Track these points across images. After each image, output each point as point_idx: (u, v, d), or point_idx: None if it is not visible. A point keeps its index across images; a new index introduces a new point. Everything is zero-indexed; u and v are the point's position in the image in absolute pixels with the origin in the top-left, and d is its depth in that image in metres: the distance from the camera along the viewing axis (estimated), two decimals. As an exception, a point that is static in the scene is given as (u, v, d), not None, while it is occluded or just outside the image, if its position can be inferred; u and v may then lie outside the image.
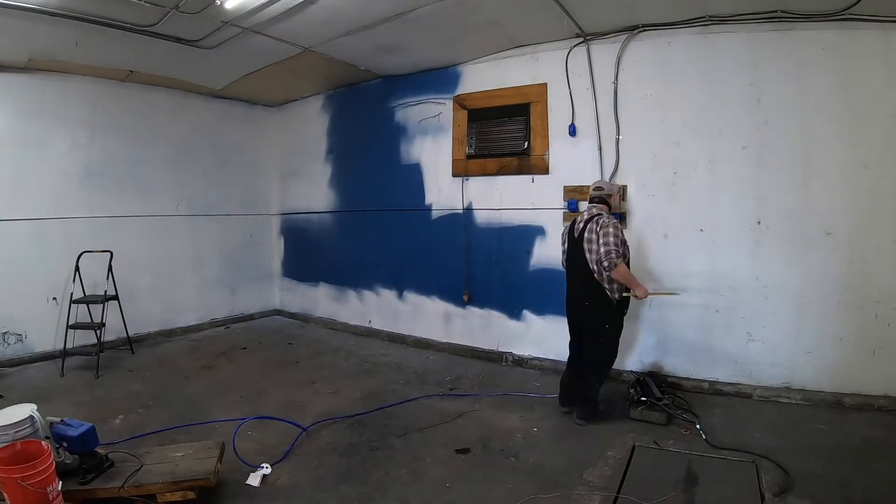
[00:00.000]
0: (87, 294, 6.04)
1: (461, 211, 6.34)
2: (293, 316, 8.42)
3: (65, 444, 2.97)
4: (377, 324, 7.26)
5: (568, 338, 4.67)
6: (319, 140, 7.84)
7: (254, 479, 3.39)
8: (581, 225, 4.24)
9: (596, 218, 4.14)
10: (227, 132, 7.88)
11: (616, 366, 5.19)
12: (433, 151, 6.57)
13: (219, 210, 7.82)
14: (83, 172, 6.33)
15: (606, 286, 4.14)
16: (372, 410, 4.57)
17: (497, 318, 6.12)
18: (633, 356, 5.27)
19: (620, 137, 5.28)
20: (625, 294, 4.19)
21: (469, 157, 6.24)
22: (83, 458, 2.99)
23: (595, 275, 4.12)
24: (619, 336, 4.37)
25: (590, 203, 4.38)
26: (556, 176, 5.67)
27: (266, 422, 4.28)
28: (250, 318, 8.30)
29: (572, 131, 5.53)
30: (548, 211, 5.69)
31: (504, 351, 6.04)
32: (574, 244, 4.29)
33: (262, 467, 3.51)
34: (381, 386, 5.24)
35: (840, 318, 4.51)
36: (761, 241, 4.73)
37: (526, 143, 5.83)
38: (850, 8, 4.22)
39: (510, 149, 5.95)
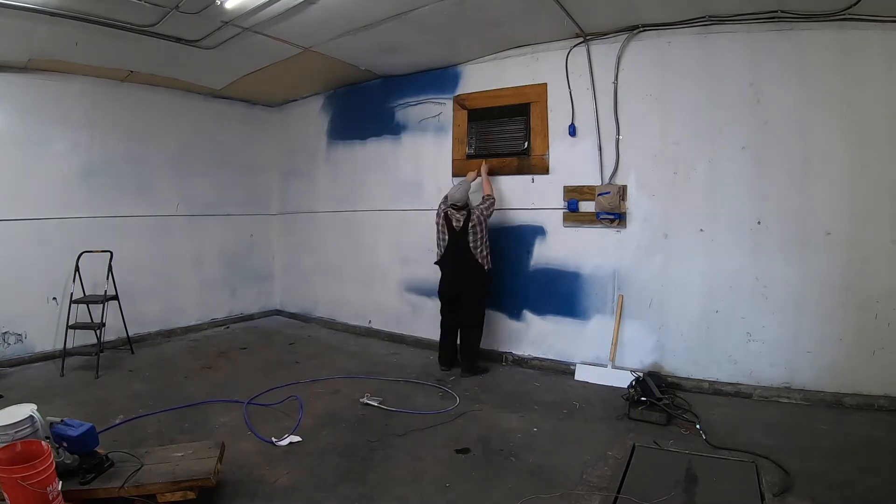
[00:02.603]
0: (87, 294, 6.04)
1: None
2: (293, 316, 8.42)
3: (65, 444, 2.96)
4: (377, 324, 7.26)
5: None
6: (319, 140, 7.84)
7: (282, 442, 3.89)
8: (461, 224, 5.37)
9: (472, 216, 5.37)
10: (227, 132, 7.87)
11: (616, 365, 5.25)
12: (433, 152, 6.57)
13: (219, 210, 7.82)
14: (83, 172, 6.33)
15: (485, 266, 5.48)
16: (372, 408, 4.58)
17: (497, 318, 6.12)
18: (633, 356, 5.26)
19: (620, 137, 5.28)
20: None
21: (469, 157, 6.24)
22: (83, 458, 2.99)
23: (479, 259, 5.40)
24: None
25: (455, 207, 5.41)
26: (555, 176, 5.67)
27: (265, 421, 4.30)
28: (250, 318, 8.30)
29: (572, 131, 5.53)
30: (548, 211, 5.69)
31: (504, 351, 6.04)
32: (458, 237, 5.40)
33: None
34: (381, 385, 5.24)
35: (840, 318, 4.52)
36: (761, 241, 4.74)
37: (526, 144, 5.83)
38: (850, 8, 4.22)
39: (510, 149, 5.95)
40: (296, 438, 3.98)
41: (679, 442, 3.86)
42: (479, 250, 5.39)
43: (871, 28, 4.31)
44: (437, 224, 5.57)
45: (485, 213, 5.45)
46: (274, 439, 3.94)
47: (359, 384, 5.26)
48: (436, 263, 5.67)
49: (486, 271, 5.47)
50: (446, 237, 5.48)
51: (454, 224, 5.40)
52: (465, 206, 5.40)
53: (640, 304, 5.25)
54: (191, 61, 5.90)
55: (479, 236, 5.37)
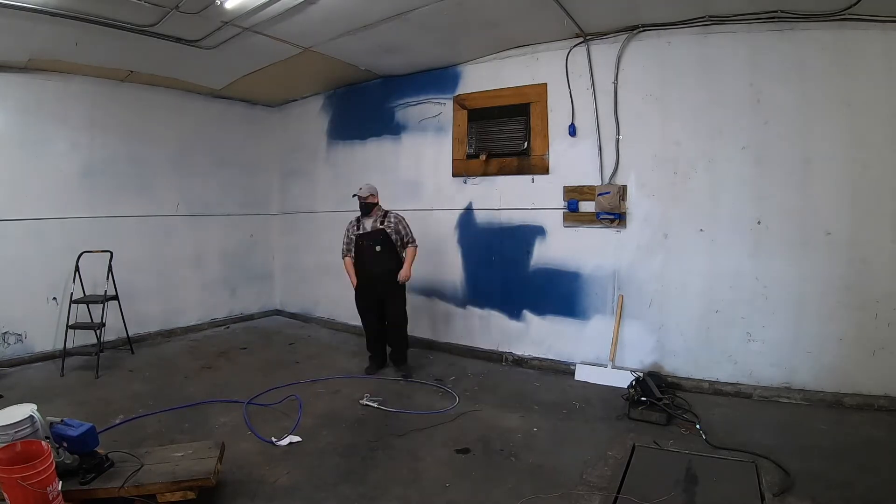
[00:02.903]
0: (87, 294, 6.04)
1: (461, 211, 6.34)
2: (293, 316, 8.42)
3: (65, 444, 2.96)
4: (377, 324, 7.24)
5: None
6: (319, 140, 7.84)
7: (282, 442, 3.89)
8: (378, 222, 5.54)
9: (388, 214, 5.59)
10: (227, 132, 7.87)
11: (615, 365, 5.25)
12: (433, 152, 6.57)
13: (219, 210, 7.83)
14: (83, 172, 6.33)
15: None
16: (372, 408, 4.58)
17: (497, 318, 6.12)
18: (633, 356, 5.26)
19: (620, 137, 5.28)
20: None
21: (469, 156, 6.24)
22: (83, 458, 2.99)
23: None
24: None
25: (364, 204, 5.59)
26: (555, 176, 5.68)
27: (265, 421, 4.30)
28: (250, 318, 8.30)
29: (572, 131, 5.53)
30: (548, 211, 5.70)
31: (504, 351, 6.04)
32: (369, 236, 5.52)
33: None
34: (381, 385, 5.24)
35: (840, 318, 4.52)
36: (761, 240, 4.74)
37: (526, 144, 5.83)
38: (849, 8, 4.23)
39: (510, 149, 5.95)
40: (296, 438, 3.98)
41: (679, 442, 3.85)
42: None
43: (871, 28, 4.31)
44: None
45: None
46: (274, 439, 3.94)
47: (359, 384, 5.26)
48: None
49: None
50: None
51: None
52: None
53: (640, 304, 5.25)
54: (191, 61, 5.90)
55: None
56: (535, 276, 5.84)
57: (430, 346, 6.56)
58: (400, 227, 5.53)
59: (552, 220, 5.67)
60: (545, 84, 5.69)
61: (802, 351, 4.63)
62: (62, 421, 3.09)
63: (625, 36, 5.17)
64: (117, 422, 4.25)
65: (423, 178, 6.69)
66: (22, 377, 5.42)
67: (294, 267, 8.46)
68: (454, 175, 6.38)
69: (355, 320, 7.46)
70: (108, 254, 6.09)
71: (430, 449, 3.86)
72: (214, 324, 7.78)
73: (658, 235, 5.15)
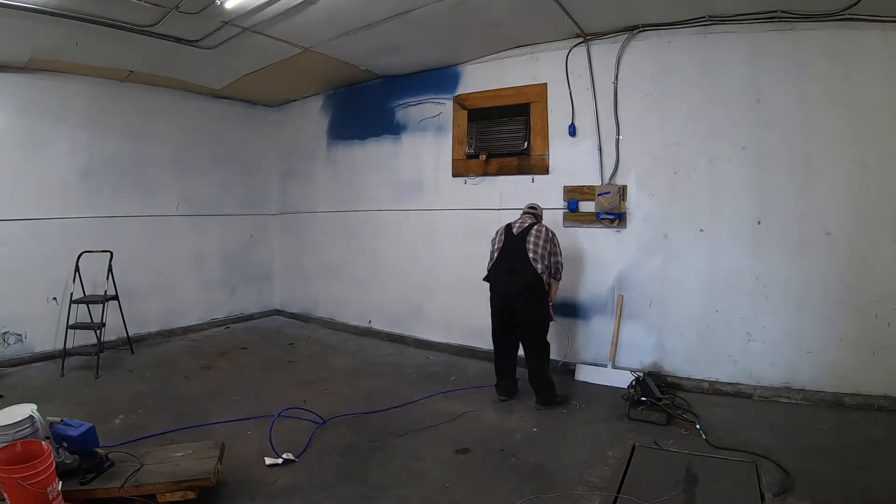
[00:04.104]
0: (87, 294, 6.04)
1: (461, 211, 6.34)
2: (293, 316, 8.41)
3: (65, 444, 2.96)
4: (377, 324, 7.26)
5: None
6: (319, 140, 7.84)
7: (271, 461, 3.60)
8: (522, 228, 4.72)
9: (536, 226, 4.72)
10: (226, 132, 7.88)
11: (616, 365, 5.25)
12: (433, 152, 6.57)
13: (219, 210, 7.83)
14: (83, 172, 6.33)
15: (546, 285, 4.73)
16: (373, 412, 4.57)
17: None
18: (633, 356, 5.26)
19: (620, 137, 5.28)
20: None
21: (469, 156, 6.24)
22: (83, 458, 2.99)
23: (541, 273, 4.57)
24: None
25: (524, 215, 4.93)
26: (555, 176, 5.68)
27: (262, 423, 4.30)
28: (250, 318, 8.30)
29: (572, 131, 5.53)
30: (548, 211, 5.67)
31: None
32: (514, 243, 4.69)
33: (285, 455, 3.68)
34: (382, 385, 5.25)
35: (840, 318, 4.52)
36: (761, 240, 4.74)
37: (526, 144, 5.83)
38: (849, 8, 4.22)
39: (510, 149, 5.95)
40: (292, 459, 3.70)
41: (679, 442, 3.85)
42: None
43: (870, 28, 4.31)
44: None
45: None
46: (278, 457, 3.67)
47: (360, 384, 5.25)
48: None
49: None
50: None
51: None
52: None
53: (640, 303, 5.25)
54: (191, 61, 5.90)
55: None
56: (535, 276, 5.83)
57: (430, 346, 6.55)
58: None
59: (553, 220, 5.65)
60: (545, 84, 5.69)
61: (802, 351, 4.63)
62: (62, 421, 3.09)
63: (625, 36, 5.17)
64: (117, 422, 4.25)
65: (423, 179, 6.70)
66: (22, 377, 5.42)
67: (294, 267, 8.46)
68: (454, 175, 6.38)
69: (355, 320, 7.52)
70: (108, 254, 6.09)
71: (430, 449, 3.86)
72: (214, 324, 7.78)
73: (658, 235, 5.15)
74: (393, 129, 6.95)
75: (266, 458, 3.63)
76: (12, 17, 4.39)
